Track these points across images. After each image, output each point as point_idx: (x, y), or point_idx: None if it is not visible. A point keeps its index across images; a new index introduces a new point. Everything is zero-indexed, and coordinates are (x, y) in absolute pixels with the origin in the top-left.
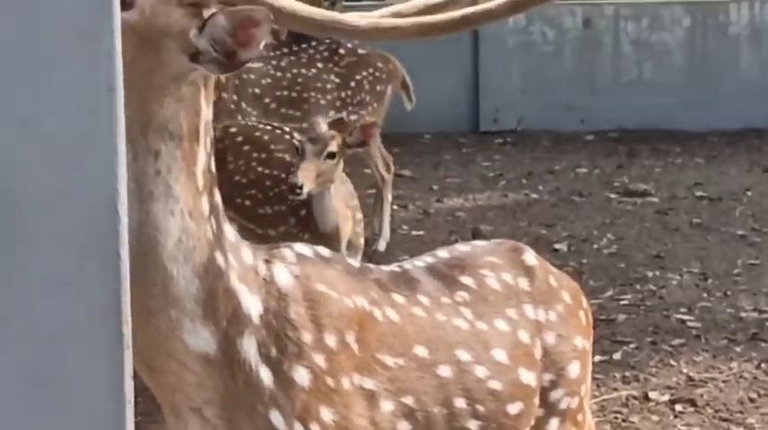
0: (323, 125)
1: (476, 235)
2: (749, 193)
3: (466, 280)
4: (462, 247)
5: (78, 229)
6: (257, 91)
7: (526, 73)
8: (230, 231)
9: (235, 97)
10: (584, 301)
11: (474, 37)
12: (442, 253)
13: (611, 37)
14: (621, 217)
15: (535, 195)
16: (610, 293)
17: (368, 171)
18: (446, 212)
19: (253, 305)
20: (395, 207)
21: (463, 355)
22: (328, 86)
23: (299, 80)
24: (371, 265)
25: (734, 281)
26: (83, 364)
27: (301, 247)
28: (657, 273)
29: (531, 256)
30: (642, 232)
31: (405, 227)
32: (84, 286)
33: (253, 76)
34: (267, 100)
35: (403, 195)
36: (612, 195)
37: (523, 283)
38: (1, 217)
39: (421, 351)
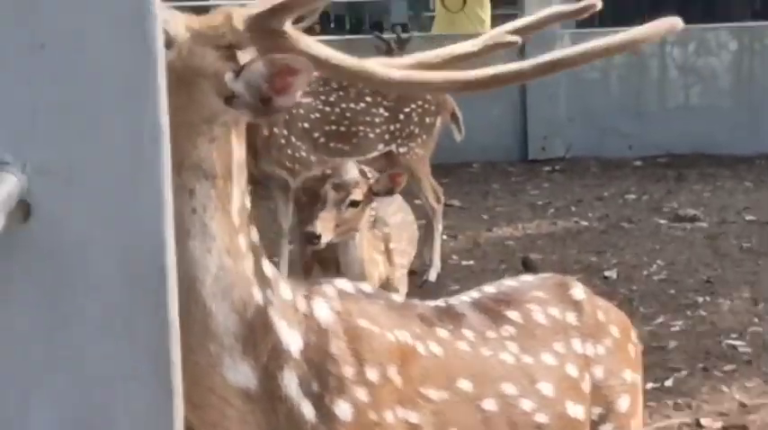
0: (352, 170)
1: (526, 264)
2: None
3: (512, 314)
4: (509, 282)
5: (125, 277)
6: (306, 125)
7: (573, 100)
8: (268, 267)
9: (285, 132)
10: (634, 334)
11: None
12: (489, 288)
13: (657, 62)
14: (671, 242)
15: (584, 222)
16: (660, 320)
17: (418, 202)
18: (496, 242)
19: (293, 340)
20: (445, 237)
21: (509, 389)
22: (377, 120)
23: (348, 114)
24: (416, 301)
25: None
26: (131, 412)
27: (343, 283)
28: (708, 298)
29: (578, 291)
30: (692, 258)
31: (455, 257)
32: (131, 333)
33: (302, 111)
34: (316, 134)
35: (453, 225)
36: (662, 221)
37: (571, 318)
38: (47, 264)
39: (465, 384)
